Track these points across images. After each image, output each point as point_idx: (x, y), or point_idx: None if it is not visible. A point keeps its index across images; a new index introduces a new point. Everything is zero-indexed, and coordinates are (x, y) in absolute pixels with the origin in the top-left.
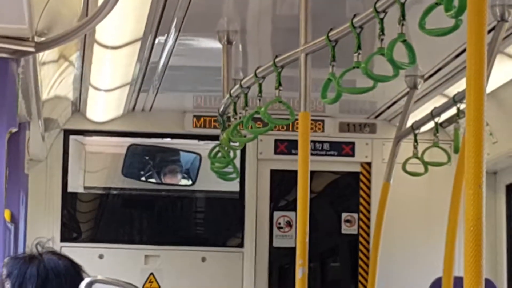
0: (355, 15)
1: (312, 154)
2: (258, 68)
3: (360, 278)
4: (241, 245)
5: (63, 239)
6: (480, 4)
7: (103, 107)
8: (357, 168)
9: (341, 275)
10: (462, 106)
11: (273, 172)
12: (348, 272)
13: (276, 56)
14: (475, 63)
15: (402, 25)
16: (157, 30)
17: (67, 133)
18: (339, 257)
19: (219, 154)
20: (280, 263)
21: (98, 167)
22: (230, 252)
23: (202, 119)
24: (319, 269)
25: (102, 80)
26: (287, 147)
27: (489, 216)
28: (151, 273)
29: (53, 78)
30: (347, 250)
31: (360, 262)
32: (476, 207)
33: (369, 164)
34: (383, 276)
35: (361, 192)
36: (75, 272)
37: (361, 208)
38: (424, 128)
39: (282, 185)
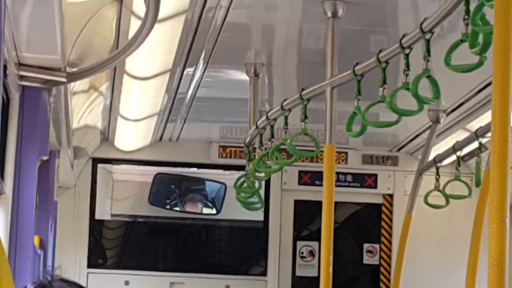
0: (380, 50)
1: (335, 186)
2: (284, 100)
3: None
4: (264, 273)
5: (90, 265)
6: (505, 41)
7: (131, 136)
8: (379, 200)
9: None
10: (484, 140)
11: (297, 202)
12: None
13: (303, 89)
14: (500, 98)
15: (427, 60)
16: (186, 62)
17: (96, 161)
18: (360, 287)
19: (245, 184)
20: None
21: (125, 195)
22: (253, 281)
23: (228, 150)
24: None
25: (130, 110)
26: (310, 178)
27: (511, 248)
28: None
29: (83, 108)
30: (368, 280)
31: None
32: (500, 242)
33: (391, 196)
34: None
35: (383, 223)
36: None
37: (382, 239)
38: (446, 162)
39: (305, 215)
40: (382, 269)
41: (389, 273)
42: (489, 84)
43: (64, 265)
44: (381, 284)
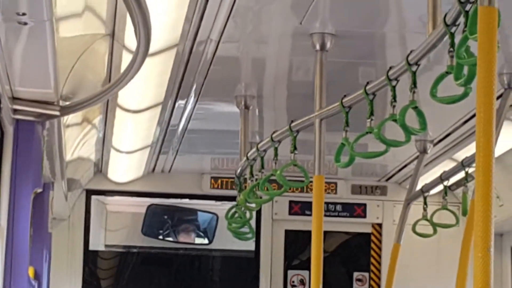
0: (368, 83)
1: (325, 215)
2: (274, 132)
3: None
4: None
5: None
6: (489, 73)
7: (124, 168)
8: (369, 229)
9: None
10: (470, 170)
11: (288, 232)
12: None
13: (292, 121)
14: (484, 130)
15: (414, 92)
16: (177, 94)
17: (89, 193)
18: None
19: (236, 215)
20: None
21: (118, 226)
22: None
23: (219, 181)
24: None
25: (123, 143)
26: (301, 208)
27: (495, 278)
28: None
29: (77, 140)
30: None
31: None
32: (485, 271)
33: (380, 225)
34: None
35: (372, 252)
36: None
37: (372, 267)
38: (433, 191)
39: (296, 245)
40: None
41: None
42: (475, 115)
43: None
44: None
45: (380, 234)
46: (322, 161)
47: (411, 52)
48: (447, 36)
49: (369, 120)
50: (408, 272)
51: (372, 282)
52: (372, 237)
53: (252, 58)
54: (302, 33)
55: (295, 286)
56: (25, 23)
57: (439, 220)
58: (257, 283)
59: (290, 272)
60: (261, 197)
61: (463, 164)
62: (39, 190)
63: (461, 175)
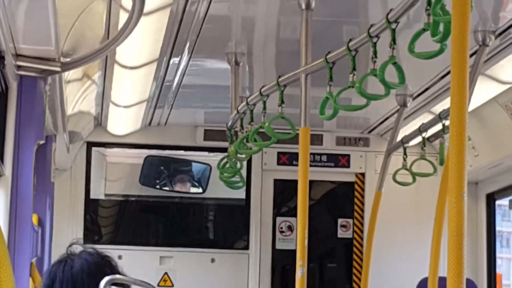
0: (350, 39)
1: (311, 165)
2: (263, 87)
3: (354, 278)
4: (246, 247)
5: (86, 241)
6: (463, 30)
7: (123, 121)
8: (352, 178)
9: (337, 275)
10: (447, 123)
11: (276, 182)
12: (343, 272)
13: (279, 76)
14: (458, 84)
15: (393, 48)
16: (171, 52)
17: (90, 145)
18: (335, 258)
19: (227, 165)
20: (282, 264)
21: (117, 176)
22: (236, 254)
23: (212, 133)
24: (317, 269)
25: (121, 97)
26: (288, 158)
27: (471, 222)
28: (165, 273)
29: (77, 95)
30: (342, 252)
31: (354, 263)
32: (458, 214)
33: (363, 174)
34: (375, 276)
35: (356, 200)
36: (98, 271)
37: (355, 214)
38: (412, 142)
39: (284, 193)
40: (355, 242)
41: (361, 245)
42: None
43: (61, 241)
44: (354, 256)
45: (363, 183)
46: (308, 114)
47: (390, 10)
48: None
49: (351, 75)
50: (389, 218)
51: (355, 228)
52: (356, 186)
53: (242, 17)
54: None
55: (283, 232)
56: None
57: (418, 169)
58: (248, 230)
59: (279, 219)
60: (250, 148)
61: (440, 117)
62: (42, 142)
63: (438, 127)
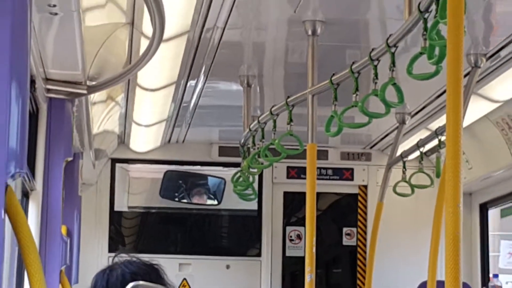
0: (353, 62)
1: (318, 179)
2: (273, 106)
3: (358, 282)
4: (259, 254)
5: (110, 250)
6: (457, 53)
7: (144, 139)
8: (356, 190)
9: (343, 280)
10: (443, 138)
11: (286, 194)
12: (348, 278)
13: (288, 97)
14: (453, 103)
15: (393, 70)
16: (188, 75)
17: (114, 161)
18: (341, 264)
19: (240, 179)
20: (291, 270)
21: (139, 190)
22: (249, 261)
23: (226, 149)
24: (324, 275)
25: (143, 117)
26: (297, 172)
27: (466, 230)
28: (184, 279)
29: (102, 116)
30: (347, 259)
31: (358, 269)
32: (455, 223)
33: (365, 186)
34: (377, 280)
35: (359, 210)
36: (133, 279)
37: (359, 223)
38: (411, 157)
39: (293, 205)
40: (359, 249)
41: (365, 252)
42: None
43: (88, 250)
44: (358, 262)
45: (366, 194)
46: (315, 131)
47: (390, 36)
48: (421, 22)
49: (354, 95)
50: (390, 226)
51: (359, 236)
52: (359, 197)
53: (253, 42)
54: (296, 20)
55: (292, 240)
56: (56, 14)
57: (416, 181)
58: (260, 238)
59: (288, 228)
60: (262, 163)
61: (436, 133)
62: (70, 159)
63: (435, 142)
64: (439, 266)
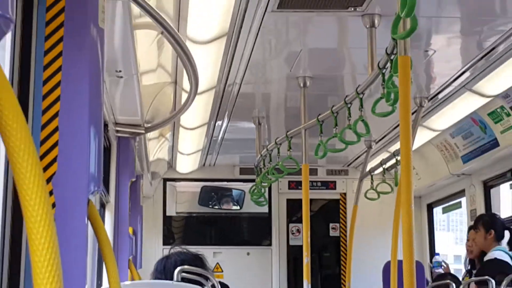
0: (333, 106)
1: (310, 189)
2: (277, 138)
3: (341, 262)
4: (270, 244)
5: (164, 244)
6: (406, 97)
7: (186, 164)
8: (338, 197)
9: (330, 262)
10: (399, 158)
11: (288, 200)
12: (334, 260)
13: (287, 131)
14: (405, 133)
15: (361, 110)
16: (216, 117)
17: (165, 180)
18: (328, 250)
19: (255, 190)
20: (294, 255)
21: (183, 200)
22: (263, 249)
23: (244, 170)
24: (317, 258)
25: (185, 148)
26: (295, 185)
27: (417, 223)
28: (217, 263)
29: (156, 148)
30: (333, 246)
31: (341, 253)
32: (409, 218)
33: (345, 194)
34: (355, 261)
35: (340, 211)
36: (184, 263)
37: (341, 220)
38: (377, 171)
39: (293, 208)
40: (341, 239)
41: (345, 241)
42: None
43: (148, 244)
44: (341, 248)
45: (345, 199)
46: (307, 155)
47: (358, 86)
48: (380, 75)
49: (334, 128)
50: (363, 222)
51: (341, 229)
52: (340, 201)
53: (262, 93)
54: (291, 77)
55: (293, 233)
56: (121, 77)
57: (380, 189)
58: (270, 232)
59: (291, 225)
60: (270, 179)
61: (394, 154)
62: (134, 179)
63: (393, 161)
64: (399, 249)
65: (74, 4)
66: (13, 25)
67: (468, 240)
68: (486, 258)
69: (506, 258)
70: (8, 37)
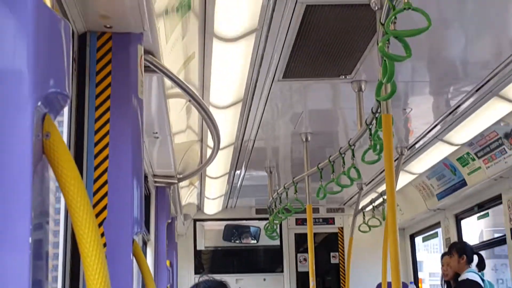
0: (330, 156)
1: (314, 224)
2: (285, 184)
3: (341, 285)
4: (282, 271)
5: (195, 273)
6: (389, 148)
7: (212, 207)
8: (336, 230)
9: (332, 284)
10: (385, 197)
11: (296, 234)
12: (336, 283)
13: (294, 178)
14: (389, 176)
15: (353, 159)
16: (235, 168)
17: (195, 220)
18: (330, 275)
19: (269, 227)
20: (302, 279)
21: (210, 236)
22: (277, 275)
23: (260, 210)
24: (321, 282)
25: (210, 194)
26: (302, 221)
27: (402, 251)
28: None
29: (187, 194)
30: (334, 271)
31: (341, 277)
32: (395, 247)
33: (342, 228)
34: (352, 283)
35: (339, 242)
36: None
37: (339, 249)
38: (367, 209)
39: (300, 240)
40: (340, 265)
41: (344, 267)
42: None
43: (182, 274)
44: (340, 273)
45: (342, 232)
46: (310, 197)
47: (350, 139)
48: (367, 130)
49: (332, 174)
50: (358, 251)
51: (340, 257)
52: (338, 234)
53: (272, 147)
54: (295, 133)
55: (301, 261)
56: (157, 137)
57: (371, 223)
58: (282, 261)
59: (299, 255)
60: (281, 217)
61: (381, 194)
62: (169, 221)
63: (380, 200)
64: (388, 272)
65: (118, 80)
66: (69, 100)
67: (442, 265)
68: (460, 279)
69: (477, 278)
70: (66, 108)
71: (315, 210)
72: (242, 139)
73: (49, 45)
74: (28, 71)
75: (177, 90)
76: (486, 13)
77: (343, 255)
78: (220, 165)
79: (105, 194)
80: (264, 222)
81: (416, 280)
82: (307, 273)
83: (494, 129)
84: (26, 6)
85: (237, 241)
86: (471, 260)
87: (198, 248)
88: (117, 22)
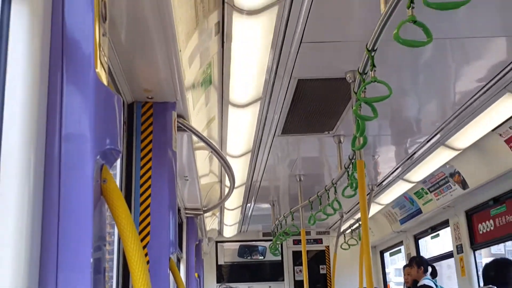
0: (318, 192)
1: (306, 244)
2: (284, 213)
3: None
4: (283, 280)
5: (217, 282)
6: (362, 185)
7: (229, 231)
8: (324, 248)
9: None
10: (360, 222)
11: (293, 252)
12: None
13: (291, 208)
14: (363, 207)
15: (335, 194)
16: (247, 202)
17: (216, 242)
18: (320, 283)
19: (272, 246)
20: (298, 286)
21: (228, 254)
22: (279, 283)
23: (266, 233)
24: None
25: (228, 221)
26: (297, 242)
27: (374, 264)
28: None
29: (210, 222)
30: (323, 280)
31: (327, 284)
32: (368, 261)
33: (328, 246)
34: None
35: (326, 257)
36: None
37: (326, 262)
38: (347, 232)
39: (296, 256)
40: (327, 275)
41: (330, 276)
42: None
43: (208, 284)
44: (327, 281)
45: (329, 250)
46: (303, 223)
47: (333, 179)
48: (346, 172)
49: (320, 205)
50: (341, 264)
51: (327, 268)
52: (326, 251)
53: (274, 185)
54: (291, 175)
55: (297, 272)
56: (187, 180)
57: (350, 242)
58: (283, 272)
59: (295, 267)
60: (281, 239)
61: (357, 220)
62: (197, 243)
63: (357, 224)
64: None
65: (157, 138)
66: (121, 154)
67: (404, 275)
68: (418, 285)
69: (431, 284)
70: (118, 160)
71: (308, 233)
72: (252, 180)
73: (105, 114)
74: (89, 134)
75: (202, 144)
76: (434, 84)
77: (330, 267)
78: (235, 199)
79: (148, 224)
80: (269, 243)
81: (385, 286)
82: (302, 281)
83: (442, 170)
84: (89, 85)
85: (249, 257)
86: (427, 270)
87: (219, 263)
88: (156, 94)
